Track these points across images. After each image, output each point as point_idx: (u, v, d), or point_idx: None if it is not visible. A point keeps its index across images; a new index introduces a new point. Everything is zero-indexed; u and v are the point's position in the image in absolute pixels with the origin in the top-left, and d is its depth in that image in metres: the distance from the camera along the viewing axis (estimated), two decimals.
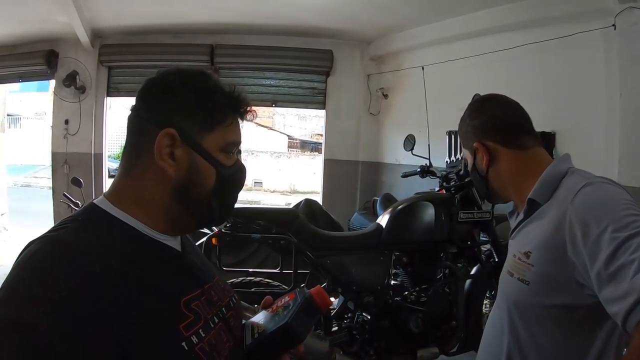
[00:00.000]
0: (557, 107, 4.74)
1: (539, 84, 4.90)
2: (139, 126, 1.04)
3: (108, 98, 7.42)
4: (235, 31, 6.92)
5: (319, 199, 7.25)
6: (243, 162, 1.15)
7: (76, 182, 5.29)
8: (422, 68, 4.84)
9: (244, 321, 1.18)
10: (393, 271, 3.35)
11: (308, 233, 3.14)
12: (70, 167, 7.10)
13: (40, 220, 8.21)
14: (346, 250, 3.26)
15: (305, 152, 25.60)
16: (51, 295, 0.80)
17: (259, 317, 1.14)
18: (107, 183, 7.56)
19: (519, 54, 4.93)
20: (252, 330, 1.11)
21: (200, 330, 0.97)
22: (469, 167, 1.65)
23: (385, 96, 7.15)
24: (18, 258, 0.91)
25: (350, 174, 7.45)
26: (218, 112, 1.03)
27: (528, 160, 1.51)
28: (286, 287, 3.02)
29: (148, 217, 1.02)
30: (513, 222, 1.60)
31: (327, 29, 6.64)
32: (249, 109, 1.10)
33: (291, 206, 5.35)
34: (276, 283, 3.08)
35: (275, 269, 3.28)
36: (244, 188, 1.20)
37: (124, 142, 1.06)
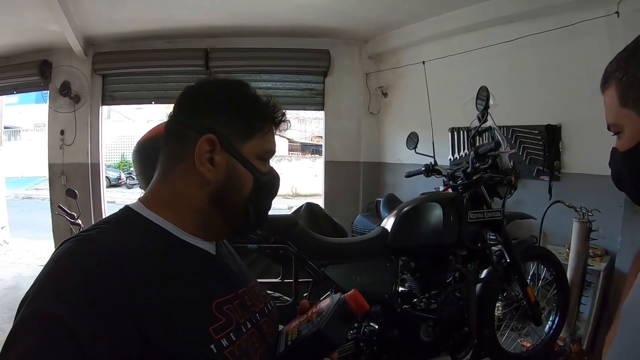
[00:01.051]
0: (562, 99, 4.65)
1: (543, 75, 4.82)
2: (179, 132, 1.07)
3: (103, 107, 7.35)
4: (230, 34, 6.83)
5: (320, 201, 7.16)
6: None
7: (71, 193, 5.21)
8: (423, 63, 4.73)
9: (280, 327, 1.20)
10: (400, 277, 3.17)
11: (308, 241, 2.97)
12: (68, 178, 7.03)
13: (41, 232, 8.19)
14: (350, 257, 3.08)
15: (306, 155, 25.58)
16: (78, 289, 0.83)
17: (294, 324, 1.14)
18: (106, 193, 7.49)
19: (521, 46, 4.84)
20: (286, 337, 1.11)
21: (232, 334, 0.99)
22: (630, 144, 1.02)
23: (385, 95, 7.06)
24: (51, 256, 0.94)
25: (352, 176, 7.35)
26: (257, 121, 1.08)
27: None
28: (288, 299, 2.87)
29: (182, 221, 1.04)
30: None
31: (323, 28, 6.54)
32: (284, 118, 1.14)
33: (292, 210, 5.23)
34: (277, 294, 2.93)
35: (277, 278, 3.13)
36: None
37: (162, 147, 1.10)
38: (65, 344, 0.78)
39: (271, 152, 1.12)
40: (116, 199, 14.41)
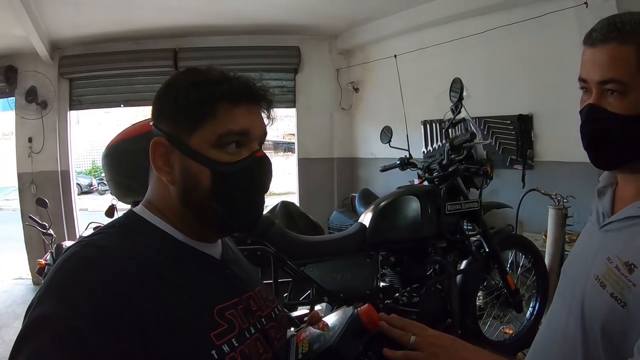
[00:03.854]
0: (533, 89, 4.70)
1: (514, 66, 4.87)
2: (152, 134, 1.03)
3: (71, 112, 7.19)
4: (198, 33, 6.74)
5: (295, 199, 7.13)
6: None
7: (41, 202, 5.11)
8: (395, 57, 4.73)
9: (288, 335, 1.18)
10: (381, 272, 3.16)
11: (286, 240, 2.94)
12: (38, 187, 6.82)
13: (13, 244, 7.96)
14: (329, 255, 3.07)
15: (279, 153, 25.48)
16: (84, 294, 0.82)
17: (305, 335, 1.10)
18: (77, 201, 7.34)
19: (492, 38, 4.88)
20: (297, 349, 1.07)
21: (234, 340, 0.97)
22: (637, 110, 1.00)
23: (356, 90, 7.08)
24: (56, 261, 0.93)
25: (326, 172, 7.35)
26: (200, 107, 0.97)
27: None
28: None
29: (176, 224, 1.02)
30: (604, 204, 1.17)
31: (293, 25, 6.51)
32: (242, 85, 1.00)
33: (267, 210, 5.19)
34: None
35: None
36: None
37: None
38: (74, 349, 0.78)
39: (232, 133, 0.98)
40: (88, 207, 14.16)
